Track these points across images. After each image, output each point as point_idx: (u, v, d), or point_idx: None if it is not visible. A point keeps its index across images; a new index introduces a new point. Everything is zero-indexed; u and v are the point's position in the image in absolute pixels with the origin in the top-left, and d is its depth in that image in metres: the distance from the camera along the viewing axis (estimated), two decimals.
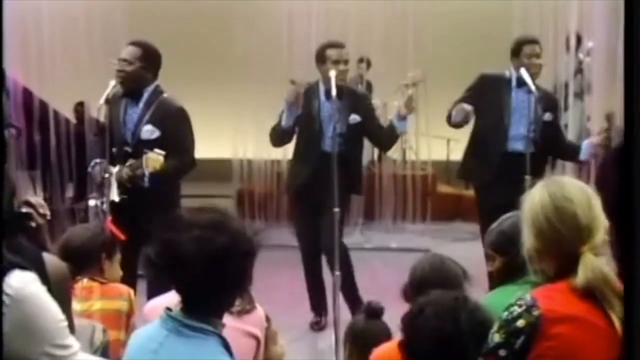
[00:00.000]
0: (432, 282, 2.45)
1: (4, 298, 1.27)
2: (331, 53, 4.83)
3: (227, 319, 2.11)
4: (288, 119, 4.84)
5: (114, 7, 7.90)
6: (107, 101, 4.17)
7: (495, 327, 1.69)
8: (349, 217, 5.65)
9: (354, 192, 5.32)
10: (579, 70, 7.94)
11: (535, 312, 1.63)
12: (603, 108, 8.03)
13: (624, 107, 1.31)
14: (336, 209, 4.17)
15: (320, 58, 4.90)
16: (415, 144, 9.50)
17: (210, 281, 1.94)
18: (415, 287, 2.55)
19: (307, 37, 8.40)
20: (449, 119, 5.09)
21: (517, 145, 4.91)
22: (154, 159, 3.99)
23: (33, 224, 1.87)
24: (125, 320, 3.07)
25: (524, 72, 4.68)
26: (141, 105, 4.36)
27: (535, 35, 7.45)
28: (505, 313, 1.69)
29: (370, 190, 8.27)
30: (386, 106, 9.36)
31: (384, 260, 6.86)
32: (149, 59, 4.39)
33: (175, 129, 4.38)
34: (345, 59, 4.89)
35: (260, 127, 8.56)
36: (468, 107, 4.92)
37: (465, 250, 4.92)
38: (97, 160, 4.30)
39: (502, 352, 1.65)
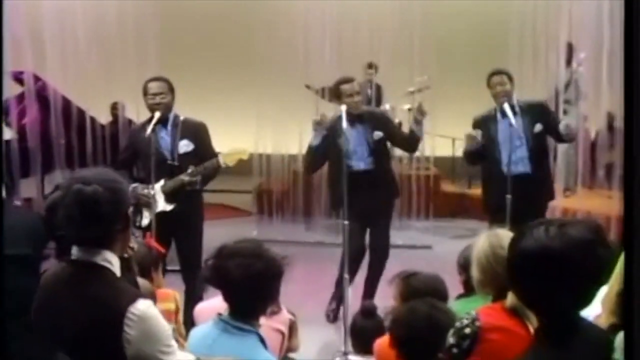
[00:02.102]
0: (427, 294, 3.13)
1: (133, 317, 2.03)
2: (345, 88, 5.44)
3: (261, 319, 2.85)
4: (316, 138, 5.50)
5: (144, 12, 8.38)
6: (153, 130, 4.92)
7: (450, 332, 2.40)
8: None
9: (395, 196, 6.06)
10: (572, 80, 8.47)
11: (477, 324, 2.34)
12: (596, 109, 8.63)
13: (624, 106, 1.36)
14: (346, 222, 4.84)
15: (337, 93, 5.51)
16: (421, 143, 10.11)
17: (250, 295, 2.67)
18: (410, 295, 3.24)
19: (321, 42, 8.94)
20: (465, 154, 5.77)
21: (519, 167, 5.41)
22: (239, 151, 5.08)
23: (125, 255, 2.58)
24: (174, 317, 3.82)
25: (506, 107, 5.26)
26: (169, 127, 5.16)
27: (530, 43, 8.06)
28: (458, 323, 2.40)
29: None
30: (395, 109, 9.93)
31: (391, 256, 7.43)
32: (173, 90, 5.20)
33: (204, 140, 5.27)
34: (357, 90, 5.51)
35: (278, 124, 9.19)
36: (474, 132, 5.55)
37: (462, 246, 5.35)
38: (134, 185, 5.10)
39: (454, 350, 2.36)
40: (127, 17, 8.35)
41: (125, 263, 2.60)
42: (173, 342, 2.12)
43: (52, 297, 2.08)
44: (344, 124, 4.91)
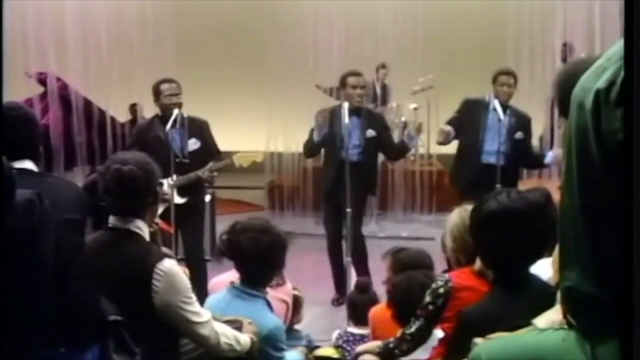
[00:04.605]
0: (414, 266, 3.57)
1: (160, 272, 2.46)
2: (351, 80, 5.76)
3: (267, 289, 3.27)
4: (318, 135, 5.74)
5: (164, 12, 8.79)
6: (173, 126, 5.30)
7: (427, 292, 2.80)
8: (365, 210, 6.45)
9: (370, 193, 6.34)
10: None
11: (450, 284, 2.73)
12: None
13: (624, 106, 1.32)
14: (348, 209, 5.20)
15: (343, 83, 5.82)
16: (427, 141, 10.24)
17: (258, 265, 3.10)
18: (400, 267, 3.66)
19: (329, 43, 9.28)
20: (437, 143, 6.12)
21: (490, 158, 5.73)
22: (254, 154, 5.52)
23: (151, 229, 3.01)
24: None
25: (496, 103, 5.58)
26: (177, 127, 5.35)
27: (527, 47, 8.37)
28: (433, 284, 2.80)
29: (384, 184, 9.04)
30: (400, 108, 10.30)
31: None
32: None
33: (209, 137, 5.60)
34: (362, 85, 5.83)
35: (288, 123, 9.51)
36: (447, 127, 5.83)
37: None
38: None
39: (430, 307, 2.76)
40: (146, 20, 8.73)
41: (150, 237, 3.05)
42: (193, 295, 2.56)
43: (96, 256, 2.52)
44: (346, 119, 5.21)
